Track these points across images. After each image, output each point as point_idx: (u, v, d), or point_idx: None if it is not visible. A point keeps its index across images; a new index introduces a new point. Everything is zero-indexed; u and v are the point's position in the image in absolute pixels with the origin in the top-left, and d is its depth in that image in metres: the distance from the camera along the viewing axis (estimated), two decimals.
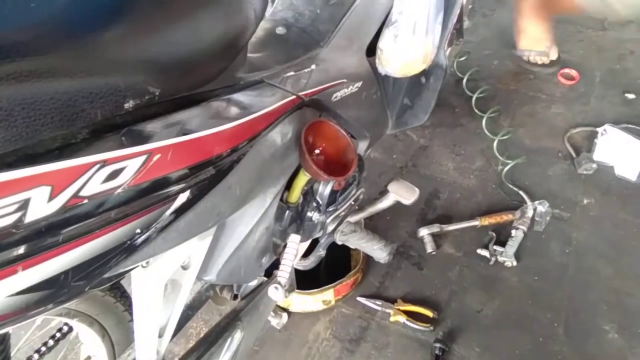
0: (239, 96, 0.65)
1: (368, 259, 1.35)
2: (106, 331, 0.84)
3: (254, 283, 1.00)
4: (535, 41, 1.97)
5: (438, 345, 1.19)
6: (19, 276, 0.42)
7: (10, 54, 0.36)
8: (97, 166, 0.44)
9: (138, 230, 0.52)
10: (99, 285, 0.53)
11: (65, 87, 0.41)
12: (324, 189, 0.98)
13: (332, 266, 1.34)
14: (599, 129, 1.64)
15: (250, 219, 0.80)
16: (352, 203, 1.11)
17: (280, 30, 0.96)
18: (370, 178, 1.61)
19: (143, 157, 0.48)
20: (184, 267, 0.72)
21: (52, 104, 0.40)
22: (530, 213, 1.45)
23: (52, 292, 0.47)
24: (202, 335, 0.86)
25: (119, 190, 0.46)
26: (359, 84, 1.04)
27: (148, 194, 0.50)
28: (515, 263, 1.36)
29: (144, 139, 0.48)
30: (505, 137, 1.67)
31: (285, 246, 1.00)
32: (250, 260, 0.86)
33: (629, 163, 1.55)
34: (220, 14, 0.57)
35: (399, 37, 1.03)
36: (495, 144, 1.64)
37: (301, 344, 1.24)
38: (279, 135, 0.77)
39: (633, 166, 1.55)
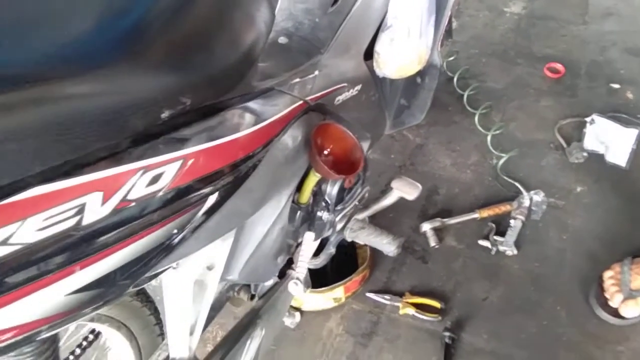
0: (254, 103, 0.69)
1: (374, 255, 1.40)
2: (133, 335, 0.88)
3: (269, 283, 1.04)
4: None
5: (447, 334, 1.24)
6: (77, 275, 0.46)
7: (68, 74, 0.40)
8: (141, 172, 0.48)
9: (175, 231, 0.56)
10: (141, 284, 0.57)
11: (113, 103, 0.45)
12: (332, 189, 1.02)
13: (338, 265, 1.38)
14: (587, 119, 1.70)
15: (267, 220, 0.84)
16: (358, 202, 1.15)
17: (282, 39, 1.00)
18: (370, 178, 1.65)
19: (179, 162, 0.52)
20: (209, 268, 0.76)
21: (102, 118, 0.44)
22: (526, 203, 1.50)
23: (103, 290, 0.51)
24: (225, 334, 0.90)
25: (160, 193, 0.50)
26: (359, 87, 1.09)
27: (183, 196, 0.54)
28: (515, 251, 1.41)
29: (178, 145, 0.52)
30: (497, 131, 1.72)
31: (297, 246, 1.04)
32: (267, 260, 0.90)
33: (618, 150, 1.62)
34: (238, 29, 0.62)
35: (394, 41, 1.08)
36: (488, 138, 1.69)
37: (315, 340, 1.29)
38: (290, 138, 0.81)
39: (622, 153, 1.61)
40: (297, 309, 1.33)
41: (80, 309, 0.50)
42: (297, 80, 0.87)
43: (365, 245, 1.40)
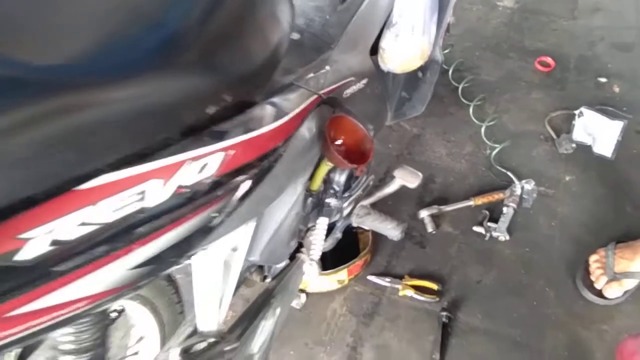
0: (278, 98, 0.75)
1: (375, 241, 1.47)
2: (159, 312, 0.94)
3: (281, 265, 1.11)
4: None
5: (444, 314, 1.32)
6: (138, 252, 0.53)
7: (119, 78, 0.46)
8: (191, 162, 0.54)
9: (215, 215, 0.62)
10: (182, 262, 0.63)
11: (169, 100, 0.51)
12: (340, 177, 1.09)
13: (340, 250, 1.44)
14: (576, 112, 1.78)
15: (285, 206, 0.91)
16: (362, 190, 1.22)
17: (294, 35, 1.06)
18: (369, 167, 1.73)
19: (223, 153, 0.58)
20: (234, 250, 0.83)
21: (159, 113, 0.50)
22: (518, 191, 1.58)
23: (156, 266, 0.57)
24: (241, 314, 0.96)
25: (208, 180, 0.57)
26: (365, 80, 1.15)
27: (224, 183, 0.61)
28: (508, 237, 1.49)
29: (220, 137, 0.58)
30: (491, 123, 1.80)
31: (307, 231, 1.11)
32: (283, 243, 0.97)
33: (605, 141, 1.70)
34: (266, 30, 0.67)
35: (399, 37, 1.14)
36: (482, 130, 1.77)
37: (320, 320, 1.36)
38: (307, 130, 0.88)
39: (608, 144, 1.69)
40: (302, 291, 1.40)
41: (136, 282, 0.56)
42: (312, 75, 0.93)
43: (367, 231, 1.48)
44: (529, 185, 1.60)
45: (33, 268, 0.43)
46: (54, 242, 0.44)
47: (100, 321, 0.65)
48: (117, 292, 0.53)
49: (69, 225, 0.44)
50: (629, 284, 1.30)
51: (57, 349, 0.64)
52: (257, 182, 0.70)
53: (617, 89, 1.96)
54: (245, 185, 0.66)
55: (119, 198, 0.48)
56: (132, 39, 0.48)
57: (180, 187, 0.53)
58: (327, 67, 1.00)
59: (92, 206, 0.46)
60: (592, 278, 1.34)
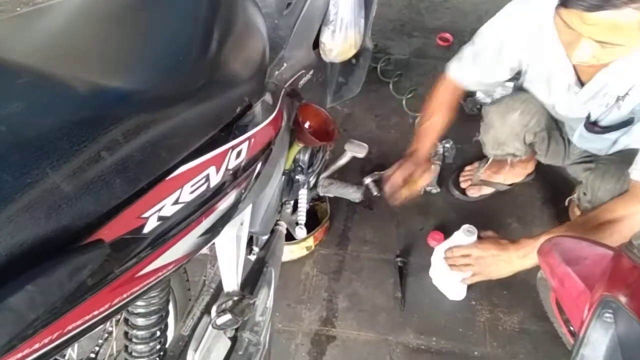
0: (267, 96, 0.93)
1: (332, 209, 1.69)
2: (172, 288, 1.09)
3: (265, 237, 1.29)
4: None
5: (399, 259, 1.58)
6: (204, 223, 0.69)
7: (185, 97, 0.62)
8: (232, 150, 0.71)
9: (243, 191, 0.80)
10: (221, 231, 0.80)
11: (215, 107, 0.68)
12: (304, 156, 1.29)
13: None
14: None
15: (273, 184, 1.09)
16: (321, 165, 1.43)
17: None
18: None
19: (247, 142, 0.76)
20: (241, 224, 1.00)
21: (209, 116, 0.67)
22: (441, 150, 1.87)
23: (210, 234, 0.74)
24: (243, 279, 1.13)
25: (242, 163, 0.74)
26: (312, 71, 1.35)
27: (248, 166, 0.78)
28: (438, 189, 1.78)
29: (245, 130, 0.76)
30: (409, 95, 2.07)
31: (282, 205, 1.30)
32: (272, 216, 1.15)
33: None
34: (255, 40, 0.85)
35: (335, 32, 1.35)
36: (403, 102, 2.04)
37: (296, 283, 1.56)
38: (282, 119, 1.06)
39: None
40: None
41: (198, 250, 0.73)
42: (277, 72, 1.11)
43: (323, 202, 1.69)
44: (448, 144, 1.89)
45: (148, 238, 0.59)
46: (160, 218, 0.60)
47: (164, 288, 0.81)
48: (188, 257, 0.70)
49: (168, 205, 0.60)
50: (485, 190, 1.71)
51: (129, 312, 0.79)
52: (264, 164, 0.88)
53: None
54: (258, 167, 0.84)
55: (194, 182, 0.64)
56: (181, 75, 0.64)
57: (227, 169, 0.70)
58: (285, 64, 1.18)
59: (179, 189, 0.62)
60: (461, 179, 1.76)
